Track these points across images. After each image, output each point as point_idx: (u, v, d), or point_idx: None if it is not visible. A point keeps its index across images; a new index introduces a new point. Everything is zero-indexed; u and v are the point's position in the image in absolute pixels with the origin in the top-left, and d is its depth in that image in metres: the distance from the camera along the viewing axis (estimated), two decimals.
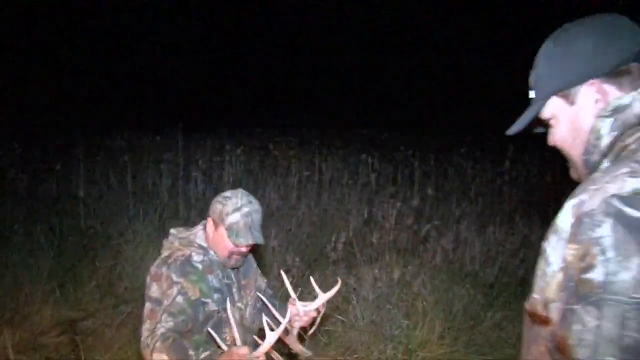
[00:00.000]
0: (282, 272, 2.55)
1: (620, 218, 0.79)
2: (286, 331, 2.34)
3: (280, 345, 2.20)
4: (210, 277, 2.44)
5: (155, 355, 2.18)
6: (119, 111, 10.05)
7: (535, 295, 0.98)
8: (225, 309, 2.39)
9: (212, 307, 2.41)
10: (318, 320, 2.31)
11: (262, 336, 2.07)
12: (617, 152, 0.95)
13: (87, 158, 6.15)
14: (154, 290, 2.33)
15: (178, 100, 10.75)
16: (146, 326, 2.26)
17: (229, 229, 2.41)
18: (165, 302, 2.28)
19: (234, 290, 2.54)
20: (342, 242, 4.25)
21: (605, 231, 0.80)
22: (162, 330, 2.22)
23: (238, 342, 2.16)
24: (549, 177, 6.42)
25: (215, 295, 2.43)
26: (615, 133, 0.97)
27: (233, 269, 2.56)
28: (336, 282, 2.43)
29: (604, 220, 0.81)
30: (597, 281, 0.80)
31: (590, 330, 0.79)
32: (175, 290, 2.30)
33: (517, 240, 4.73)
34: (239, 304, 2.55)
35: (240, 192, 2.52)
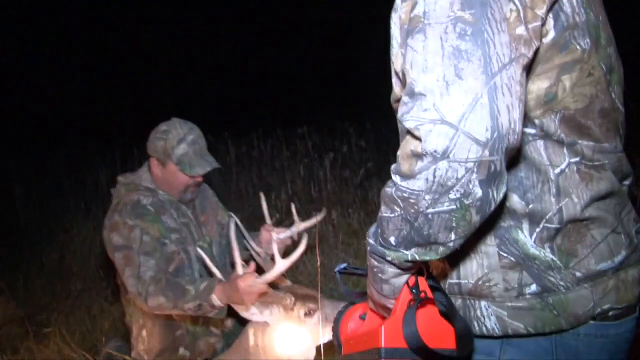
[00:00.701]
0: (260, 194, 2.43)
1: None
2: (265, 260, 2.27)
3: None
4: (164, 217, 2.33)
5: (150, 301, 2.10)
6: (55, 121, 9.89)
7: (393, 79, 1.16)
8: (185, 250, 2.32)
9: (172, 247, 2.31)
10: (300, 250, 2.07)
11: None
12: None
13: (20, 159, 6.07)
14: (116, 239, 2.24)
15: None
16: (128, 274, 2.17)
17: (180, 162, 2.30)
18: (135, 246, 2.19)
19: (192, 228, 2.43)
20: (282, 199, 4.41)
21: None
22: (150, 273, 2.14)
23: (218, 275, 2.11)
24: None
25: (173, 236, 2.33)
26: None
27: (188, 204, 2.44)
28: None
29: None
30: (420, 13, 0.93)
31: (419, 52, 0.92)
32: (137, 231, 2.22)
33: None
34: (200, 242, 2.43)
35: (176, 121, 2.39)
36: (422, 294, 1.11)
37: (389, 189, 0.99)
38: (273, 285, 2.13)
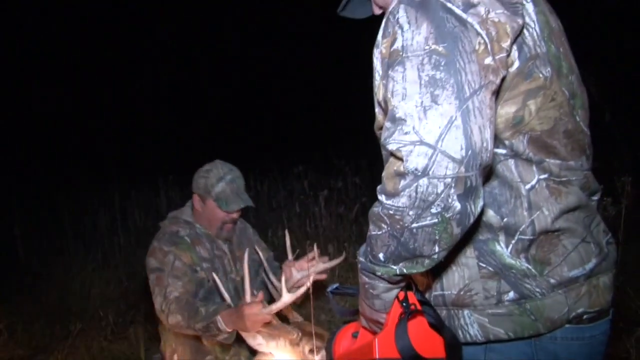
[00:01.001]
0: (286, 232, 2.57)
1: (407, 2, 1.06)
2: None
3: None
4: (197, 247, 2.56)
5: (170, 319, 2.30)
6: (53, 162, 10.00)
7: (376, 109, 1.26)
8: (213, 279, 2.42)
9: (202, 275, 2.52)
10: (306, 286, 2.19)
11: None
12: None
13: (20, 199, 6.15)
14: (152, 263, 2.47)
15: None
16: (156, 293, 2.38)
17: (218, 199, 2.52)
18: (167, 269, 2.41)
19: (226, 261, 2.62)
20: (279, 236, 4.48)
21: (401, 14, 1.06)
22: (175, 294, 2.34)
23: (228, 300, 2.24)
24: None
25: (204, 265, 2.54)
26: None
27: (225, 240, 2.65)
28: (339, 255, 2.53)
29: (397, 8, 1.07)
30: (399, 47, 1.05)
31: (398, 82, 1.03)
32: (170, 257, 2.45)
33: None
34: (232, 275, 2.61)
35: (218, 162, 2.62)
36: (412, 307, 1.19)
37: (375, 209, 1.09)
38: (284, 319, 2.24)
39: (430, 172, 0.97)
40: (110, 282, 4.82)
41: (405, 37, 1.05)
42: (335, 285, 1.52)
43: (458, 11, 1.03)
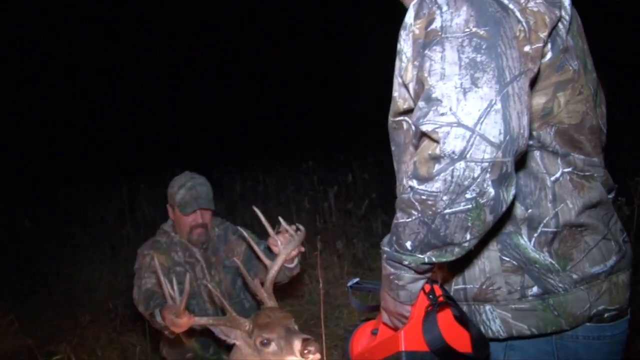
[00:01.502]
0: (254, 208, 2.40)
1: None
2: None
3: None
4: (172, 253, 2.74)
5: (139, 307, 2.49)
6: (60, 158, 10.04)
7: (395, 94, 1.24)
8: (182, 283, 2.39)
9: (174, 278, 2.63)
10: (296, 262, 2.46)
11: None
12: None
13: (29, 192, 6.18)
14: (135, 266, 2.71)
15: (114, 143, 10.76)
16: (135, 286, 2.58)
17: (179, 205, 2.69)
18: (144, 267, 2.61)
19: (198, 268, 2.75)
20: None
21: None
22: (147, 286, 2.52)
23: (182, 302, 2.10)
24: None
25: (178, 268, 2.70)
26: None
27: (199, 246, 2.76)
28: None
29: None
30: (437, 27, 1.04)
31: (437, 61, 1.02)
32: (148, 258, 2.62)
33: None
34: (204, 281, 2.73)
35: (185, 173, 2.81)
36: (441, 299, 1.17)
37: (405, 195, 1.06)
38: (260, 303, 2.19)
39: (468, 156, 0.95)
40: (119, 273, 4.84)
41: (444, 17, 1.03)
42: (355, 280, 1.50)
43: None
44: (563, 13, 1.12)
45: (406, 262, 1.10)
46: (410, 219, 1.06)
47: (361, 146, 7.39)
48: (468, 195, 0.98)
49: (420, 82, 1.07)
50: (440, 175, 0.98)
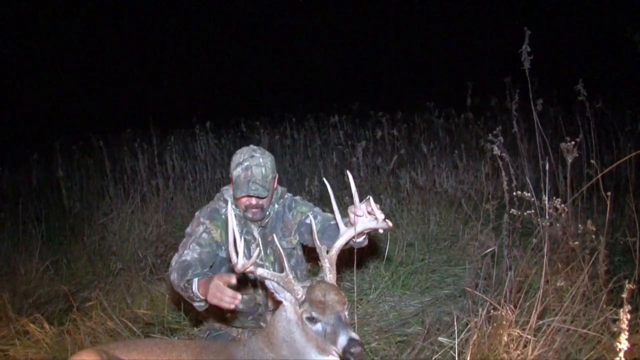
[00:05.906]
0: (347, 173, 2.26)
1: None
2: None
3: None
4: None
5: (171, 276, 2.41)
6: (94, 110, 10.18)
7: None
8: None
9: (225, 255, 2.62)
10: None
11: None
12: None
13: (64, 146, 6.30)
14: (188, 228, 2.65)
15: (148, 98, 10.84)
16: (177, 253, 2.52)
17: (235, 183, 2.58)
18: (195, 236, 2.56)
19: (253, 246, 2.62)
20: (315, 185, 4.47)
21: None
22: (187, 257, 2.46)
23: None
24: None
25: None
26: None
27: (256, 223, 2.69)
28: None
29: None
30: None
31: None
32: (201, 228, 2.59)
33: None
34: (258, 260, 2.56)
35: (247, 148, 2.66)
36: None
37: None
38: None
39: None
40: (149, 224, 4.93)
41: None
42: None
43: None
44: None
45: None
46: None
47: (391, 102, 7.26)
48: None
49: None
50: None
